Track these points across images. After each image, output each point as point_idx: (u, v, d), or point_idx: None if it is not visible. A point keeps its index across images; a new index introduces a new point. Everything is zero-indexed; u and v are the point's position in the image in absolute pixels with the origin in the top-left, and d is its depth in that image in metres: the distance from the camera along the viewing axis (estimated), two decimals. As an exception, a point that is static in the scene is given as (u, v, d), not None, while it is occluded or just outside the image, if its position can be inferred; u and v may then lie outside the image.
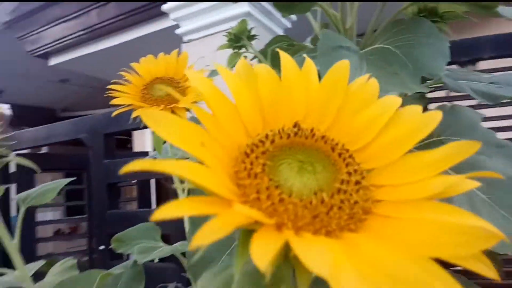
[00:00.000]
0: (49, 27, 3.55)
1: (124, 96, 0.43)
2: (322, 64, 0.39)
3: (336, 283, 0.10)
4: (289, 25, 1.29)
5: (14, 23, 3.65)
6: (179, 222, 0.45)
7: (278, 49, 0.18)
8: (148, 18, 2.93)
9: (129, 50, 3.29)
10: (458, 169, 0.42)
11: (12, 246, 0.35)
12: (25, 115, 4.65)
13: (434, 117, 0.16)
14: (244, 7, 1.09)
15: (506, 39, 0.92)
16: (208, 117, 0.15)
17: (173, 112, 0.42)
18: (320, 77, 0.39)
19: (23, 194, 0.38)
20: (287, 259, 0.13)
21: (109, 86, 0.44)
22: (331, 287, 0.10)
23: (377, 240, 0.13)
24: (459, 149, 0.15)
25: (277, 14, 1.22)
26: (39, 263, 0.40)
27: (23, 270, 0.36)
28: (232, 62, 0.67)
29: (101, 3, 3.23)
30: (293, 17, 1.26)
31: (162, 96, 0.44)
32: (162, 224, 0.53)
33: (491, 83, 0.56)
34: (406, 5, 0.52)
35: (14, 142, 0.39)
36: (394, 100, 0.17)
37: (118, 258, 1.09)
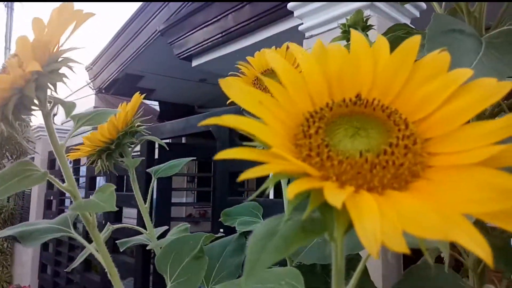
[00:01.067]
0: (193, 32, 4.00)
1: (241, 78, 0.48)
2: (430, 49, 0.38)
3: (357, 215, 0.12)
4: (417, 14, 1.20)
5: (167, 30, 4.24)
6: (280, 205, 0.48)
7: (351, 28, 0.20)
8: (276, 18, 3.07)
9: (259, 50, 3.49)
10: None
11: (144, 208, 0.44)
12: (168, 111, 5.35)
13: (501, 87, 0.16)
14: (367, -1, 1.07)
15: None
16: (277, 88, 0.18)
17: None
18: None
19: (155, 167, 0.47)
20: (330, 208, 0.15)
21: (227, 78, 0.50)
22: (351, 217, 0.12)
23: (415, 197, 0.14)
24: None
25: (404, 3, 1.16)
26: (164, 228, 0.49)
27: (151, 230, 0.45)
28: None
29: (238, 6, 3.51)
30: (422, 5, 1.17)
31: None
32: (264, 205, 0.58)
33: None
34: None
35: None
36: (463, 72, 0.17)
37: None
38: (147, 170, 0.48)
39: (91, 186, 2.58)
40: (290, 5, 1.23)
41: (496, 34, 0.44)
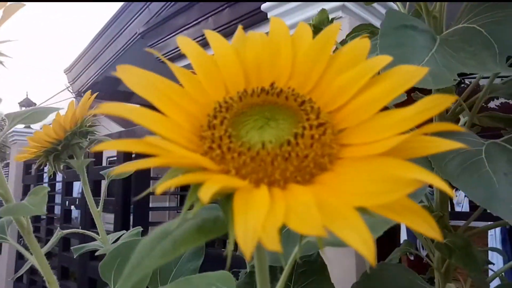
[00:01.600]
0: (174, 35, 3.97)
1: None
2: (382, 45, 0.37)
3: (240, 210, 0.11)
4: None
5: (147, 32, 4.19)
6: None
7: (271, 16, 0.18)
8: (257, 21, 3.06)
9: (239, 53, 3.48)
10: None
11: (96, 213, 0.42)
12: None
13: (415, 74, 0.15)
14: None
15: None
16: (186, 75, 0.17)
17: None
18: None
19: (108, 169, 0.45)
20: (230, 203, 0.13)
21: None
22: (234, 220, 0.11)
23: (315, 191, 0.12)
24: (430, 105, 0.13)
25: (375, 5, 1.17)
26: (121, 233, 0.47)
27: (104, 235, 0.43)
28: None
29: (219, 9, 3.50)
30: (393, 6, 1.18)
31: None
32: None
33: None
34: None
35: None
36: (380, 59, 0.16)
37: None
38: (101, 172, 0.46)
39: (67, 191, 2.51)
40: (263, 6, 1.23)
41: (451, 32, 0.44)
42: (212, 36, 0.18)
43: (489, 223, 0.59)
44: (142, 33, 4.20)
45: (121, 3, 4.52)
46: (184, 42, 0.17)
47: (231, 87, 0.17)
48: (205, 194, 0.11)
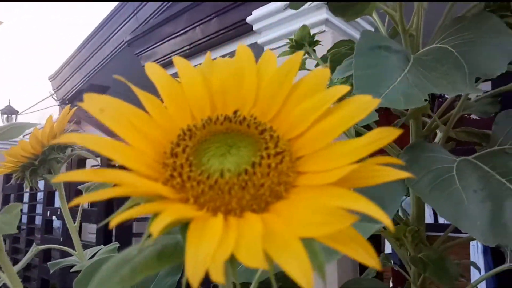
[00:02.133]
0: (161, 44, 3.97)
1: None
2: (356, 65, 0.38)
3: (192, 239, 0.11)
4: (372, 29, 1.24)
5: (134, 41, 4.18)
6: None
7: (239, 44, 0.19)
8: (244, 32, 3.09)
9: (226, 63, 3.51)
10: None
11: (72, 227, 0.42)
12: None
13: (367, 105, 0.16)
14: (323, 14, 1.09)
15: None
16: (153, 101, 0.17)
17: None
18: (353, 77, 0.38)
19: (87, 184, 0.45)
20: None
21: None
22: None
23: (264, 220, 0.13)
24: (378, 137, 0.14)
25: (358, 19, 1.19)
26: (98, 248, 0.47)
27: (80, 251, 0.43)
28: (292, 68, 0.68)
29: (206, 19, 3.52)
30: (372, 25, 1.21)
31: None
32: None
33: None
34: (474, 3, 0.48)
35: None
36: (339, 89, 0.17)
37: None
38: (79, 187, 0.46)
39: (49, 201, 2.47)
40: (249, 19, 1.24)
41: (425, 51, 0.45)
42: (180, 63, 0.18)
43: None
44: (129, 41, 4.19)
45: (108, 10, 4.51)
46: (151, 69, 0.18)
47: (197, 113, 0.18)
48: (156, 227, 0.11)
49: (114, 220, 0.12)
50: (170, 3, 3.93)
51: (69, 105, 0.44)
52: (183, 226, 0.14)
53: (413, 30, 0.54)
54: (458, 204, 0.36)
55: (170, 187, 0.15)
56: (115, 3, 4.32)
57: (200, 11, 3.58)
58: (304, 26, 0.65)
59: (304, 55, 0.69)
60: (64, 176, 0.13)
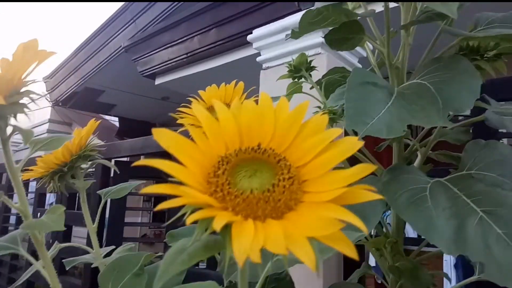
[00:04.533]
0: (158, 51, 4.04)
1: (186, 117, 0.53)
2: (347, 98, 0.45)
3: (236, 236, 0.17)
4: (364, 54, 1.32)
5: (132, 47, 4.24)
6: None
7: (263, 95, 0.25)
8: (241, 44, 3.18)
9: (222, 73, 3.59)
10: (485, 203, 0.44)
11: (92, 228, 0.48)
12: (128, 127, 5.28)
13: (354, 145, 0.22)
14: (319, 37, 1.16)
15: None
16: (199, 135, 0.23)
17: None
18: (344, 110, 0.44)
19: (105, 189, 0.51)
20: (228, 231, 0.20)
21: (178, 108, 0.56)
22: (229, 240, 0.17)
23: (283, 224, 0.19)
24: (361, 170, 0.20)
25: (352, 44, 1.27)
26: (111, 247, 0.52)
27: (97, 249, 0.48)
28: (291, 90, 0.75)
29: (205, 29, 3.59)
30: (370, 46, 1.28)
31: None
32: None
33: (544, 121, 0.55)
34: (451, 44, 0.55)
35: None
36: (333, 131, 0.23)
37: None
38: (98, 192, 0.51)
39: (40, 202, 2.48)
40: (249, 37, 1.32)
41: (407, 85, 0.52)
42: (218, 105, 0.25)
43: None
44: (127, 47, 4.25)
45: (107, 15, 4.56)
46: (197, 110, 0.24)
47: (230, 144, 0.24)
48: (218, 225, 0.17)
49: (190, 219, 0.18)
50: (170, 12, 4.00)
51: (94, 119, 0.50)
52: (224, 228, 0.20)
53: (399, 63, 0.61)
54: (429, 220, 0.42)
55: (214, 199, 0.21)
56: (116, 6, 4.37)
57: (198, 21, 3.66)
58: (302, 54, 0.72)
59: (300, 78, 0.76)
60: (148, 188, 0.19)
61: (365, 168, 0.20)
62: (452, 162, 0.67)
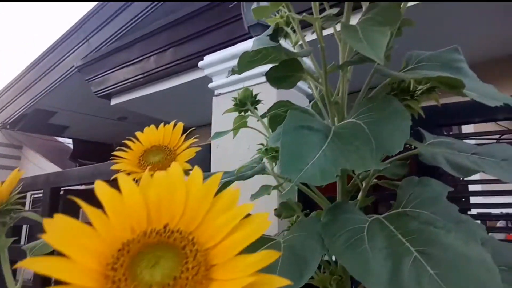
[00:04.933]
0: (114, 71, 3.94)
1: (123, 162, 0.51)
2: (283, 143, 0.45)
3: None
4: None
5: (85, 66, 4.11)
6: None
7: (174, 166, 0.24)
8: (196, 65, 3.17)
9: (179, 93, 3.55)
10: (419, 242, 0.45)
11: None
12: (83, 149, 5.07)
13: (264, 224, 0.21)
14: (268, 65, 1.17)
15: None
16: (98, 217, 0.22)
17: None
18: (279, 153, 0.44)
19: (30, 244, 0.47)
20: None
21: (114, 153, 0.53)
22: None
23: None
24: (265, 257, 0.20)
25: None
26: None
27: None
28: (236, 125, 0.74)
29: (161, 49, 3.56)
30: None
31: (155, 163, 0.52)
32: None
33: (474, 153, 0.57)
34: (384, 82, 0.57)
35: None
36: (246, 208, 0.22)
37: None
38: (23, 247, 0.47)
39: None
40: (200, 63, 1.31)
41: (344, 124, 0.53)
42: (122, 179, 0.23)
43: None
44: (80, 66, 4.11)
45: (58, 34, 4.41)
46: (98, 187, 0.22)
47: (136, 226, 0.22)
48: None
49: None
50: (124, 31, 3.94)
51: (18, 168, 0.46)
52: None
53: (338, 98, 0.63)
54: (365, 263, 0.42)
55: (111, 295, 0.19)
56: (68, 24, 4.24)
57: (154, 41, 3.62)
58: (246, 89, 0.72)
59: (246, 112, 0.75)
60: (23, 263, 0.17)
61: (271, 255, 0.20)
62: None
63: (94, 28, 4.08)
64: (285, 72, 0.60)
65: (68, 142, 5.22)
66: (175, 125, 0.56)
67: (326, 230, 0.47)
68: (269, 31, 0.55)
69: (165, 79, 3.53)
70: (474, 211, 1.38)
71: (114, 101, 4.04)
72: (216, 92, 1.29)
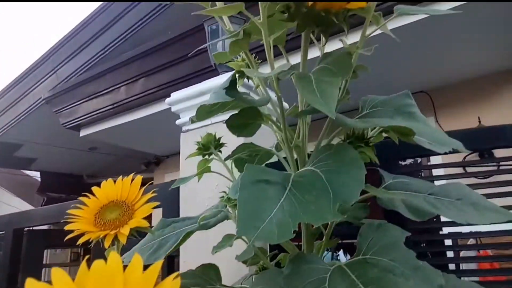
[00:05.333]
0: (83, 102, 3.88)
1: (78, 221, 0.49)
2: (240, 199, 0.45)
3: None
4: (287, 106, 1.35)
5: (53, 98, 4.03)
6: None
7: (112, 255, 0.24)
8: (167, 95, 3.17)
9: (151, 123, 3.52)
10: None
11: None
12: (51, 182, 4.90)
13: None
14: (236, 101, 1.18)
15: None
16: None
17: (116, 235, 0.48)
18: (237, 210, 0.43)
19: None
20: None
21: (69, 211, 0.51)
22: None
23: None
24: None
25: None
26: None
27: None
28: (200, 170, 0.74)
29: (131, 79, 3.54)
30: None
31: (112, 220, 0.50)
32: None
33: (430, 194, 0.59)
34: (338, 129, 0.58)
35: None
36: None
37: None
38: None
39: None
40: (167, 100, 1.31)
41: (302, 172, 0.54)
42: (55, 274, 0.22)
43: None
44: (47, 98, 4.03)
45: (27, 65, 4.32)
46: (56, 273, 0.22)
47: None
48: None
49: None
50: (94, 62, 3.91)
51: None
52: None
53: (299, 141, 0.64)
54: (325, 318, 0.42)
55: None
56: (35, 56, 4.17)
57: (125, 71, 3.61)
58: (208, 134, 0.72)
59: (210, 155, 0.75)
60: None
61: None
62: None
63: (62, 59, 4.03)
64: (245, 120, 0.61)
65: (36, 175, 5.04)
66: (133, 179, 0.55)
67: (288, 284, 0.47)
68: (226, 83, 0.56)
69: (135, 109, 3.49)
70: (445, 230, 1.40)
71: (83, 132, 3.96)
72: (184, 128, 1.29)
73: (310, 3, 0.47)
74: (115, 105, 3.61)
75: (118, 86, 3.60)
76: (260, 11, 0.51)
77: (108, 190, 0.53)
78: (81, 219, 0.49)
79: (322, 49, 0.62)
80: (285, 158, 0.67)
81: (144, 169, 4.71)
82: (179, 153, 1.28)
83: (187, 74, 2.87)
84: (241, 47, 0.61)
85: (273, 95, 0.63)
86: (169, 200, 1.23)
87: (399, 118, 0.57)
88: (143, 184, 0.55)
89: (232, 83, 0.57)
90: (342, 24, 0.51)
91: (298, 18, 0.49)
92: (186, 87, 1.25)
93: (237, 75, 0.69)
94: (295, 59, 0.63)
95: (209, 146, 0.73)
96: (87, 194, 0.54)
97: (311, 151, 0.58)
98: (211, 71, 2.38)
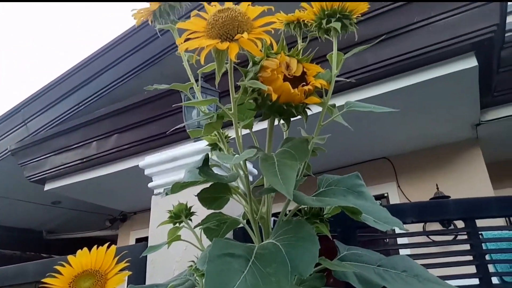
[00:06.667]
0: (51, 155, 3.81)
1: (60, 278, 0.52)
2: (207, 271, 0.50)
3: None
4: (256, 172, 1.42)
5: (20, 150, 3.94)
6: None
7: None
8: (138, 152, 3.19)
9: (119, 179, 3.49)
10: None
11: None
12: (8, 238, 4.62)
13: None
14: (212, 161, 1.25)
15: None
16: None
17: (89, 305, 0.51)
18: (204, 282, 0.48)
19: None
20: None
21: (44, 279, 0.54)
22: None
23: None
24: None
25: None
26: None
27: None
28: (170, 239, 0.78)
29: (104, 135, 3.55)
30: (253, 171, 1.41)
31: (85, 289, 0.54)
32: None
33: (379, 266, 0.66)
34: (294, 209, 0.66)
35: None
36: None
37: None
38: None
39: None
40: (141, 164, 1.35)
41: (265, 244, 0.59)
42: None
43: None
44: (14, 150, 3.94)
45: (-7, 118, 4.27)
46: None
47: None
48: None
49: None
50: (67, 116, 3.92)
51: None
52: None
53: (264, 213, 0.70)
54: None
55: None
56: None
57: (98, 127, 3.63)
58: (180, 204, 0.77)
59: (181, 223, 0.80)
60: None
61: None
62: None
63: (34, 113, 4.02)
64: (214, 194, 0.67)
65: (-10, 230, 4.75)
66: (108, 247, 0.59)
67: None
68: (199, 162, 0.63)
69: (105, 164, 3.47)
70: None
71: (48, 186, 3.85)
72: (155, 191, 1.33)
73: (274, 97, 0.55)
74: (84, 159, 3.58)
75: (89, 141, 3.60)
76: (232, 103, 0.60)
77: (83, 259, 0.57)
78: (55, 287, 0.52)
79: (286, 134, 0.71)
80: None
81: (108, 226, 4.55)
82: (146, 210, 1.30)
83: (161, 133, 2.93)
84: (215, 128, 0.69)
85: (241, 171, 0.70)
86: (136, 263, 1.23)
87: (351, 197, 0.65)
88: (106, 241, 0.59)
89: (205, 162, 0.65)
90: (301, 115, 0.60)
91: (264, 108, 0.58)
92: (159, 146, 1.31)
93: (210, 148, 0.77)
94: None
95: (180, 215, 0.78)
96: (62, 262, 0.57)
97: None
98: (183, 131, 2.45)
